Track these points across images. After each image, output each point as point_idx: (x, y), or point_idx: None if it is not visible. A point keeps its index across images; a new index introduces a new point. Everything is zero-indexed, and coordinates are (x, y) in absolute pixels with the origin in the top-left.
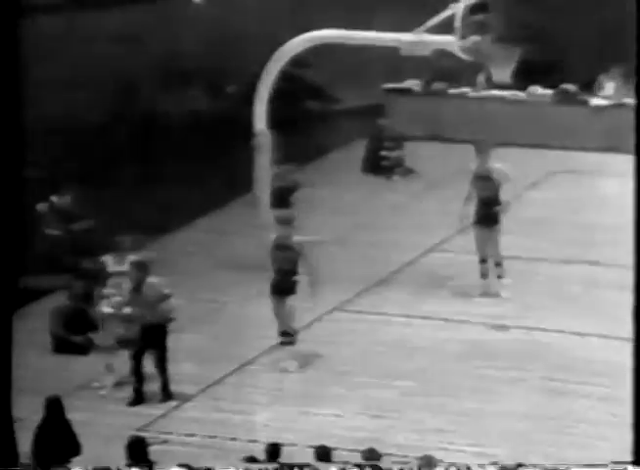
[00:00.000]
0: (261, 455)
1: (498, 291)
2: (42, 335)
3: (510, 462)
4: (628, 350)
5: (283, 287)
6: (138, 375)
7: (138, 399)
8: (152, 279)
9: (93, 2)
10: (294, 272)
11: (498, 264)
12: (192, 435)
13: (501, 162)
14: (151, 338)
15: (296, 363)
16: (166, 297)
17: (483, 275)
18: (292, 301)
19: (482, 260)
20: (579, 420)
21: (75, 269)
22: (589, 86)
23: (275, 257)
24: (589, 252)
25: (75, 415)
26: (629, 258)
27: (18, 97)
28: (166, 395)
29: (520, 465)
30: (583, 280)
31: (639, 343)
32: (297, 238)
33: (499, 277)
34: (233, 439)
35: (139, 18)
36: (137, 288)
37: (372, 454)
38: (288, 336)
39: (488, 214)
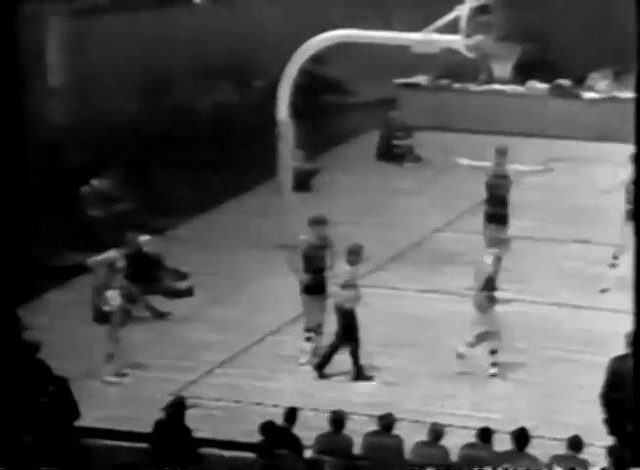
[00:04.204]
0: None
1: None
2: (85, 307)
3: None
4: (616, 320)
5: None
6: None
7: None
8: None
9: (130, 5)
10: None
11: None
12: (218, 399)
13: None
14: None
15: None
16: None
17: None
18: None
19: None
20: (576, 385)
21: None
22: (582, 82)
23: None
24: (582, 231)
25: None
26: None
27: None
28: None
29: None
30: (577, 257)
31: (639, 343)
32: None
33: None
34: (258, 403)
35: (173, 20)
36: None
37: (388, 419)
38: None
39: (500, 214)
